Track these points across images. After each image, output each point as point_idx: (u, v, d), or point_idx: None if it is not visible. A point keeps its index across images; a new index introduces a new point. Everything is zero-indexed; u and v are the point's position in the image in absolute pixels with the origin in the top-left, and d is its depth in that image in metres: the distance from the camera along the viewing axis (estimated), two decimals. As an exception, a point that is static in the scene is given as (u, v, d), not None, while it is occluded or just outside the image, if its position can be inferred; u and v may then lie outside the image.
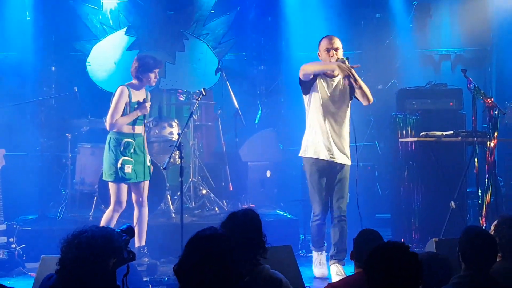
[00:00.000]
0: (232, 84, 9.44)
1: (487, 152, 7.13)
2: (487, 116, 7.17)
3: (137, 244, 7.37)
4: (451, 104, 8.74)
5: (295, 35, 11.28)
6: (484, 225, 6.91)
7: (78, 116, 9.54)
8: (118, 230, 3.59)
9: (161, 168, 7.20)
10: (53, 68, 10.48)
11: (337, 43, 6.93)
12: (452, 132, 7.84)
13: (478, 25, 10.94)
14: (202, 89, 7.22)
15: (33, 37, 10.39)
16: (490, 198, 7.01)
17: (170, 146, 7.13)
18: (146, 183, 7.48)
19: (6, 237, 7.40)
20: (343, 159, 6.98)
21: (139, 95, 7.35)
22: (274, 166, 10.18)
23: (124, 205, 7.37)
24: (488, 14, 11.00)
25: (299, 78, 6.90)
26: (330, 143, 6.89)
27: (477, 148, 7.17)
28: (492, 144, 7.04)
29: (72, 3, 10.74)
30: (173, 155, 7.10)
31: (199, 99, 7.31)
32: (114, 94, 7.32)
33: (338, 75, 6.89)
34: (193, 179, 9.17)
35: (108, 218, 7.27)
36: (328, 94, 6.90)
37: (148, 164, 7.43)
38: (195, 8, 11.16)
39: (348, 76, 6.71)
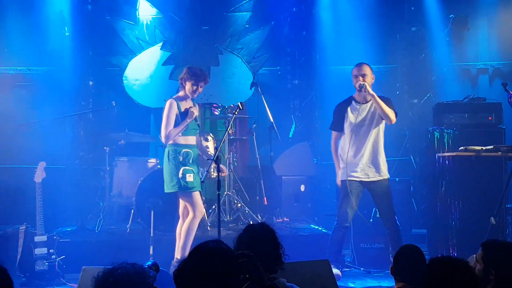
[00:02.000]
0: (266, 99, 9.47)
1: (528, 167, 7.06)
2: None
3: (179, 256, 7.34)
4: (490, 118, 8.64)
5: (329, 49, 11.28)
6: (525, 241, 6.82)
7: (116, 130, 9.64)
8: (145, 266, 3.59)
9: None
10: (90, 83, 10.64)
11: (364, 69, 7.51)
12: (492, 146, 7.76)
13: (516, 38, 10.86)
14: (239, 103, 7.22)
15: (72, 53, 10.56)
16: (530, 214, 6.93)
17: (207, 160, 7.14)
18: (198, 194, 7.49)
19: (46, 248, 7.51)
20: None
21: (186, 105, 7.41)
22: (308, 180, 10.18)
23: (204, 211, 7.52)
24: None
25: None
26: None
27: (517, 163, 7.10)
28: (532, 159, 6.97)
29: (109, 18, 10.89)
30: (210, 168, 7.15)
31: (236, 113, 7.30)
32: (164, 109, 7.38)
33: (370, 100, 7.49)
34: (228, 192, 9.18)
35: (189, 227, 7.26)
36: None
37: (200, 175, 7.45)
38: (229, 23, 11.24)
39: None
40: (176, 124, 7.30)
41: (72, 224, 9.34)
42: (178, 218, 7.57)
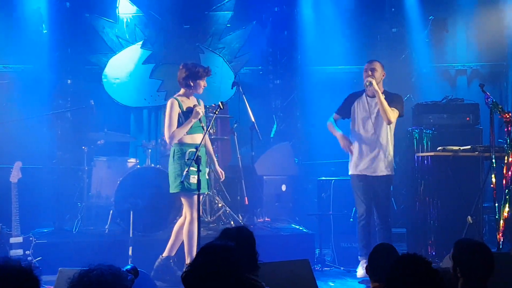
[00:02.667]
0: (248, 98, 9.43)
1: (505, 167, 7.10)
2: (504, 131, 7.14)
3: (167, 254, 7.35)
4: (467, 119, 8.74)
5: (310, 50, 11.28)
6: (501, 240, 6.87)
7: (95, 129, 9.59)
8: (124, 270, 3.53)
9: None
10: (69, 81, 10.53)
11: (374, 64, 7.87)
12: (469, 146, 7.82)
13: (494, 40, 10.91)
14: (220, 103, 7.17)
15: (50, 50, 10.44)
16: (507, 214, 6.96)
17: (188, 159, 7.08)
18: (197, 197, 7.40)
19: (22, 249, 7.44)
20: None
21: (189, 103, 7.34)
22: (290, 180, 10.18)
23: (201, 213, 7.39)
24: (505, 29, 10.97)
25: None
26: None
27: (494, 163, 7.13)
28: (510, 159, 7.01)
29: (88, 16, 10.79)
30: (191, 168, 7.10)
31: (216, 112, 7.26)
32: (166, 109, 7.33)
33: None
34: (209, 192, 9.15)
35: (190, 230, 7.12)
36: None
37: (207, 176, 7.38)
38: (211, 22, 11.19)
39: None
40: (179, 124, 7.23)
41: (49, 225, 9.22)
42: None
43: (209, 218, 9.02)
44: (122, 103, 10.89)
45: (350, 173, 7.90)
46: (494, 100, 7.02)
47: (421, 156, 8.62)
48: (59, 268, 5.60)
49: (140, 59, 10.94)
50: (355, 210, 8.30)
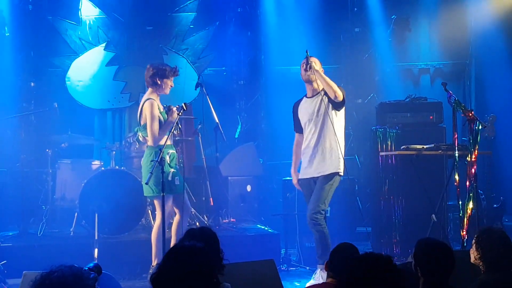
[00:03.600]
0: (212, 99, 9.41)
1: (468, 165, 7.15)
2: (467, 129, 7.20)
3: (153, 263, 7.24)
4: (431, 117, 8.80)
5: (274, 50, 11.33)
6: (465, 237, 6.94)
7: (58, 132, 9.53)
8: (86, 268, 3.53)
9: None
10: (32, 84, 10.43)
11: (311, 59, 7.17)
12: (432, 145, 7.88)
13: (457, 39, 11.06)
14: (183, 104, 7.13)
15: (12, 53, 10.37)
16: (471, 211, 7.03)
17: (151, 161, 7.04)
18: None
19: (-13, 253, 7.35)
20: None
21: (160, 105, 7.28)
22: (255, 180, 10.18)
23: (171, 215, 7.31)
24: (467, 28, 11.12)
25: (343, 100, 7.11)
26: None
27: (457, 161, 7.20)
28: (473, 157, 7.07)
29: (50, 19, 10.72)
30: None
31: (180, 114, 7.25)
32: (142, 110, 7.19)
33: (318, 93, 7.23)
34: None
35: (158, 232, 7.04)
36: None
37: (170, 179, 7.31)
38: (174, 23, 11.17)
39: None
40: (161, 125, 7.14)
41: (14, 229, 9.14)
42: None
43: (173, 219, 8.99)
44: (85, 105, 10.82)
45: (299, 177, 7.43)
46: (456, 99, 7.07)
47: (385, 155, 8.67)
48: (24, 272, 5.52)
49: (104, 61, 10.88)
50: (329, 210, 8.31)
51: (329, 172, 7.12)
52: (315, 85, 7.18)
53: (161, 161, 6.56)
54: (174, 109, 7.18)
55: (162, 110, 7.23)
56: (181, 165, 9.73)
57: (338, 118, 7.21)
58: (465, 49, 11.31)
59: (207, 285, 3.15)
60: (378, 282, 3.07)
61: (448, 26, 10.98)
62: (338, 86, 7.08)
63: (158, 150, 6.90)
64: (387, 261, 3.16)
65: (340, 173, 7.18)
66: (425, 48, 11.50)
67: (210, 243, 4.05)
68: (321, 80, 7.06)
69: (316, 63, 7.16)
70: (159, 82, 7.24)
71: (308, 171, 7.24)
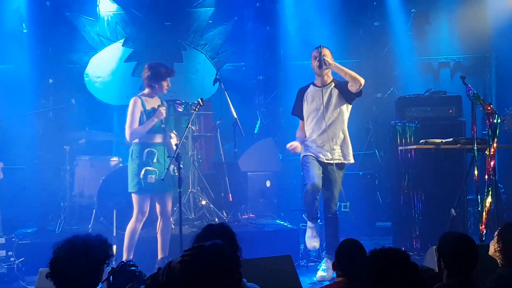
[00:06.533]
0: (231, 94, 9.40)
1: (487, 159, 7.09)
2: (486, 123, 7.13)
3: (160, 256, 7.38)
4: (450, 111, 8.72)
5: (293, 45, 11.28)
6: (484, 232, 6.88)
7: (76, 128, 9.57)
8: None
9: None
10: (50, 81, 10.46)
11: (323, 51, 7.31)
12: (451, 139, 7.80)
13: (477, 32, 10.94)
14: (200, 100, 7.18)
15: (30, 50, 10.39)
16: (490, 205, 6.96)
17: (168, 157, 7.07)
18: (171, 193, 7.42)
19: (5, 250, 7.36)
20: None
21: (153, 103, 7.30)
22: (274, 176, 10.14)
23: (146, 215, 7.31)
24: (487, 21, 10.99)
25: (360, 90, 7.20)
26: None
27: (476, 155, 7.12)
28: (492, 151, 7.00)
29: (69, 15, 10.74)
30: (171, 166, 7.05)
31: (196, 109, 7.27)
32: (128, 107, 7.30)
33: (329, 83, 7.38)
34: (193, 190, 9.12)
35: (132, 229, 7.21)
36: None
37: (172, 173, 7.36)
38: (192, 19, 11.16)
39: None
40: (141, 123, 7.19)
41: (32, 226, 9.15)
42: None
43: (193, 216, 8.99)
44: (104, 101, 10.83)
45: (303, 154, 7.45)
46: (475, 92, 7.00)
47: (404, 149, 8.60)
48: (40, 269, 5.55)
49: (122, 57, 10.90)
50: (339, 205, 8.27)
51: (342, 161, 7.31)
52: (325, 77, 7.34)
53: (178, 158, 6.57)
54: (162, 109, 7.20)
55: (149, 108, 7.24)
56: (200, 161, 9.78)
57: (348, 111, 7.36)
58: (485, 42, 11.19)
59: (228, 281, 3.12)
60: (396, 278, 3.04)
61: (468, 19, 10.87)
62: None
63: (139, 147, 7.15)
64: (406, 258, 3.13)
65: (351, 162, 7.40)
66: (445, 41, 11.40)
67: (227, 240, 4.03)
68: (342, 73, 7.16)
69: (327, 56, 7.25)
70: (154, 85, 7.30)
71: (321, 154, 7.30)
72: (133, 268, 3.74)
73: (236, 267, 3.13)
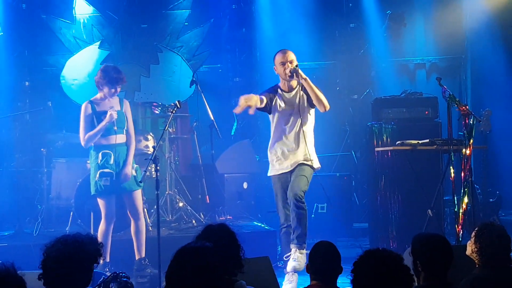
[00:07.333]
0: (208, 96, 9.40)
1: (463, 160, 7.11)
2: (462, 124, 7.18)
3: (137, 257, 7.41)
4: (426, 112, 8.77)
5: (269, 46, 11.26)
6: (461, 232, 6.92)
7: (53, 131, 9.51)
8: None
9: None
10: (27, 83, 10.39)
11: (291, 56, 6.81)
12: (427, 140, 7.83)
13: (452, 34, 11.04)
14: (177, 102, 7.15)
15: (6, 53, 10.35)
16: (466, 206, 7.01)
17: (145, 159, 7.08)
18: (138, 193, 7.43)
19: (-18, 254, 7.31)
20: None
21: (105, 105, 7.29)
22: (251, 177, 10.16)
23: (113, 215, 7.32)
24: (463, 22, 11.11)
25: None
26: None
27: (453, 156, 7.16)
28: (468, 152, 7.04)
29: (45, 17, 10.69)
30: (149, 168, 7.02)
31: (173, 111, 7.24)
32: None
33: (296, 87, 6.86)
34: (170, 192, 9.12)
35: (102, 230, 7.26)
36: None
37: (134, 173, 7.34)
38: (168, 21, 11.16)
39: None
40: (93, 127, 7.20)
41: (10, 228, 9.10)
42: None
43: (170, 218, 8.98)
44: (80, 103, 10.58)
45: (270, 174, 7.14)
46: (451, 93, 7.04)
47: (381, 150, 8.64)
48: (19, 272, 5.50)
49: (98, 60, 10.85)
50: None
51: (311, 163, 6.86)
52: (292, 82, 6.85)
53: (155, 160, 6.55)
54: (111, 112, 7.19)
55: (100, 111, 7.25)
56: (177, 163, 9.77)
57: (312, 115, 6.97)
58: (460, 44, 11.30)
59: (217, 283, 3.14)
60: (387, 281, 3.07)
61: (444, 20, 10.97)
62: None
63: (95, 150, 7.24)
64: (397, 258, 3.16)
65: (316, 168, 6.95)
66: (420, 43, 11.49)
67: (227, 240, 4.03)
68: (311, 92, 6.69)
69: (294, 62, 6.77)
70: (102, 88, 7.30)
71: (285, 165, 6.94)
72: (124, 279, 3.77)
73: (222, 269, 3.17)
